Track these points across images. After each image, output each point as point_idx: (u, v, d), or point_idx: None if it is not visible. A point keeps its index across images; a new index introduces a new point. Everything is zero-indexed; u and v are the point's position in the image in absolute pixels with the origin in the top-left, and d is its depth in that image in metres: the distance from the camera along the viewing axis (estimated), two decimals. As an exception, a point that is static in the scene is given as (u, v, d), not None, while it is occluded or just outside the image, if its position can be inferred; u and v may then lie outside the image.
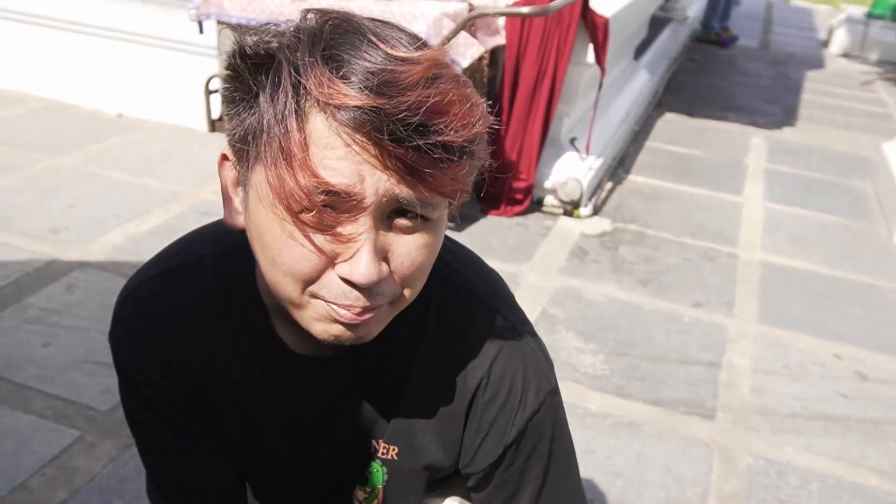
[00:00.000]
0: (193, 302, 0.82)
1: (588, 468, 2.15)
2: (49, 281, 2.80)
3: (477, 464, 0.92)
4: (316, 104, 0.64)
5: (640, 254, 3.46)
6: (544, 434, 0.90)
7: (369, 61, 0.64)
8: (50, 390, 2.25)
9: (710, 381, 2.60)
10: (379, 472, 0.96)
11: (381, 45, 0.65)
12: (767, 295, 3.21)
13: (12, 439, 2.06)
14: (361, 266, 0.67)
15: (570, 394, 2.45)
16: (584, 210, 3.77)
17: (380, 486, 0.97)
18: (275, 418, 0.94)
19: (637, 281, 3.22)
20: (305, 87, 0.64)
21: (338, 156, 0.64)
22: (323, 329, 0.73)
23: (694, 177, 4.46)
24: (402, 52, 0.65)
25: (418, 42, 0.69)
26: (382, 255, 0.69)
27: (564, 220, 3.74)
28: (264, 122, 0.66)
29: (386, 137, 0.62)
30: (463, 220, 3.61)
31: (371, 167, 0.64)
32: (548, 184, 3.78)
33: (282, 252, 0.69)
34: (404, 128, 0.63)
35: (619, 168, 4.45)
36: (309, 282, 0.70)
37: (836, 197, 4.39)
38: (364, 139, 0.63)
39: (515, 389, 0.88)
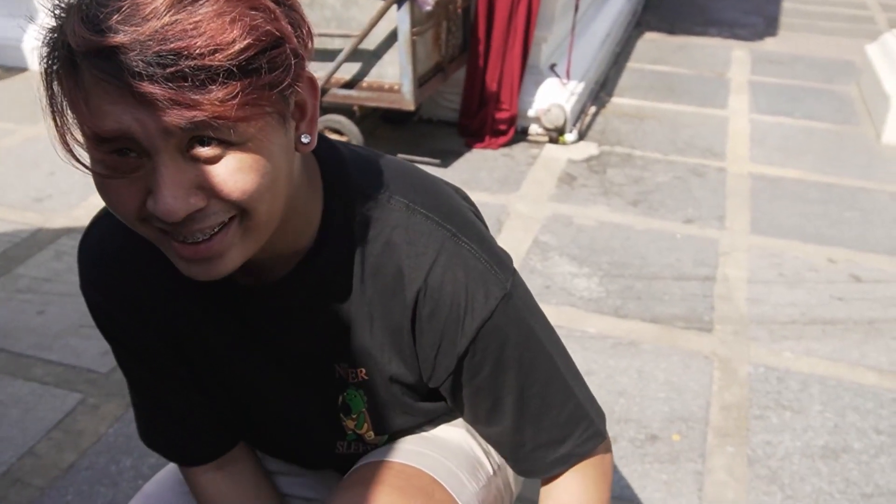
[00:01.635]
0: (143, 240, 0.81)
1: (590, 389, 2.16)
2: (37, 249, 2.78)
3: (438, 377, 0.91)
4: (80, 57, 0.64)
5: (628, 175, 3.45)
6: (507, 341, 0.87)
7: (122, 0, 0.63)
8: (49, 357, 2.25)
9: (705, 294, 2.61)
10: (356, 398, 0.96)
11: None
12: (758, 206, 3.21)
13: (16, 407, 2.07)
14: (160, 203, 0.67)
15: (568, 318, 2.46)
16: (570, 136, 3.73)
17: (364, 410, 0.97)
18: (237, 351, 0.94)
19: (627, 202, 3.21)
20: (69, 44, 0.64)
21: (106, 102, 0.63)
22: (184, 268, 0.74)
23: (678, 94, 4.41)
24: None
25: None
26: (193, 185, 0.68)
27: (550, 148, 3.71)
28: (54, 88, 0.67)
29: (132, 75, 0.61)
30: (447, 155, 3.58)
31: (130, 107, 0.63)
32: (531, 112, 3.73)
33: (104, 196, 0.71)
34: (148, 61, 0.61)
35: (601, 91, 4.40)
36: (139, 216, 0.70)
37: (823, 103, 4.36)
38: (118, 81, 0.62)
39: (458, 298, 0.85)
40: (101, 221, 0.93)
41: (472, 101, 3.68)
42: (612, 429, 2.03)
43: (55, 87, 0.67)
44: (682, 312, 2.52)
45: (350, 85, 3.16)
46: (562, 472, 0.96)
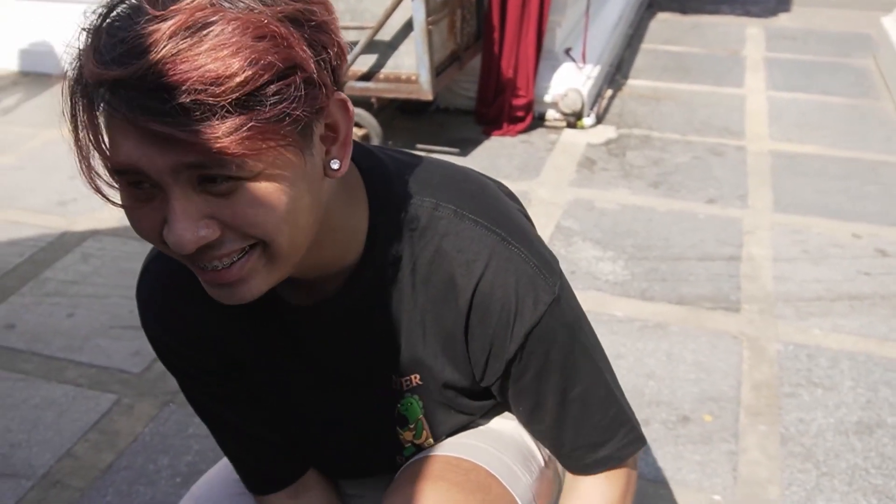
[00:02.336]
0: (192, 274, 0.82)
1: (619, 373, 2.14)
2: (63, 253, 2.81)
3: (488, 379, 0.91)
4: (91, 89, 0.64)
5: (648, 157, 3.43)
6: (553, 344, 0.87)
7: (128, 31, 0.61)
8: (81, 359, 2.28)
9: (731, 274, 2.60)
10: (414, 404, 0.96)
11: (148, 7, 0.61)
12: (780, 183, 3.19)
13: (51, 410, 2.09)
14: (171, 235, 0.66)
15: (594, 302, 2.46)
16: (587, 120, 3.72)
17: (421, 417, 0.98)
18: (295, 372, 0.95)
19: (648, 184, 3.19)
20: (84, 77, 0.64)
21: (119, 135, 0.64)
22: (210, 292, 0.74)
23: (693, 74, 4.38)
24: (158, 10, 0.61)
25: None
26: (205, 216, 0.67)
27: (568, 133, 3.70)
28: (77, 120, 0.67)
29: (133, 108, 0.61)
30: (465, 143, 3.58)
31: (139, 142, 0.63)
32: (548, 98, 3.72)
33: (131, 222, 0.71)
34: (147, 94, 0.60)
35: (617, 74, 4.38)
36: (163, 241, 0.70)
37: (839, 77, 4.32)
38: (121, 115, 0.62)
39: (508, 304, 0.84)
40: (154, 260, 0.94)
41: (488, 88, 3.67)
42: (642, 411, 2.03)
43: (78, 117, 0.66)
44: (709, 293, 2.51)
45: (367, 77, 3.16)
46: (598, 473, 0.97)
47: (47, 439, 2.00)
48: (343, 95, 0.73)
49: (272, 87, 0.62)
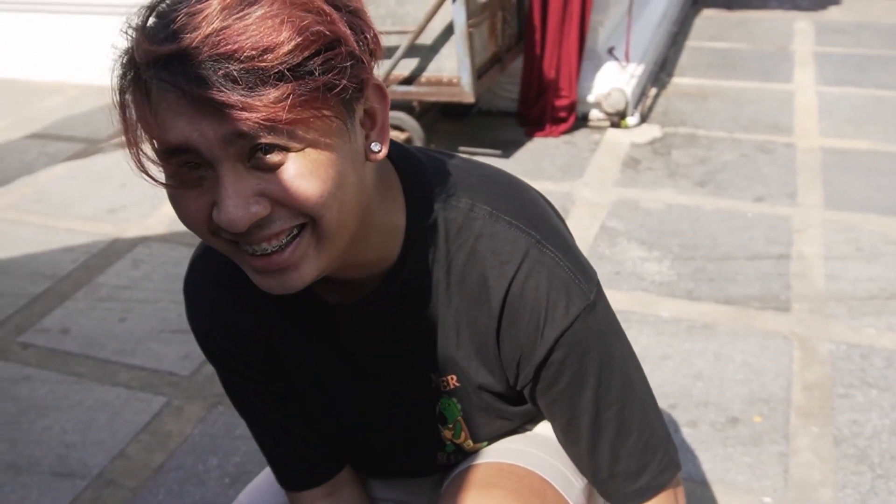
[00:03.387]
0: (239, 270, 0.83)
1: (666, 374, 2.14)
2: (115, 259, 2.87)
3: (520, 384, 0.90)
4: (143, 69, 0.65)
5: (693, 155, 3.39)
6: (585, 354, 0.85)
7: (178, 11, 0.64)
8: (132, 362, 2.33)
9: (781, 273, 2.55)
10: (452, 406, 0.96)
11: None
12: (831, 180, 3.12)
13: (105, 412, 2.14)
14: (223, 213, 0.67)
15: (640, 303, 2.44)
16: (631, 119, 3.69)
17: (459, 418, 0.97)
18: (334, 370, 0.95)
19: (694, 183, 3.15)
20: (135, 60, 0.66)
21: (170, 115, 0.65)
22: (259, 281, 0.75)
23: (740, 71, 4.31)
24: None
25: None
26: (256, 193, 0.68)
27: (612, 132, 3.67)
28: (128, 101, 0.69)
29: (187, 80, 0.63)
30: (508, 145, 3.57)
31: (191, 117, 0.64)
32: (591, 97, 3.70)
33: (177, 209, 0.72)
34: (200, 66, 0.62)
35: (661, 72, 4.33)
36: (210, 229, 0.71)
37: (891, 71, 4.21)
38: (175, 89, 0.64)
39: (538, 306, 0.83)
40: (200, 257, 0.96)
41: (530, 89, 3.66)
42: (691, 413, 2.01)
43: (127, 104, 0.68)
44: (758, 292, 2.46)
45: (409, 81, 3.18)
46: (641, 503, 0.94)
47: (101, 440, 2.04)
48: (379, 81, 0.75)
49: (319, 57, 0.65)
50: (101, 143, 3.86)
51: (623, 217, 2.93)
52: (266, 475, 1.15)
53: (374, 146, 0.75)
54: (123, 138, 0.69)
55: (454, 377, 0.93)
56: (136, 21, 0.67)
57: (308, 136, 0.67)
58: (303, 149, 0.67)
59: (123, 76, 0.68)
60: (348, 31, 0.68)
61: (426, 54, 3.12)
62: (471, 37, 3.00)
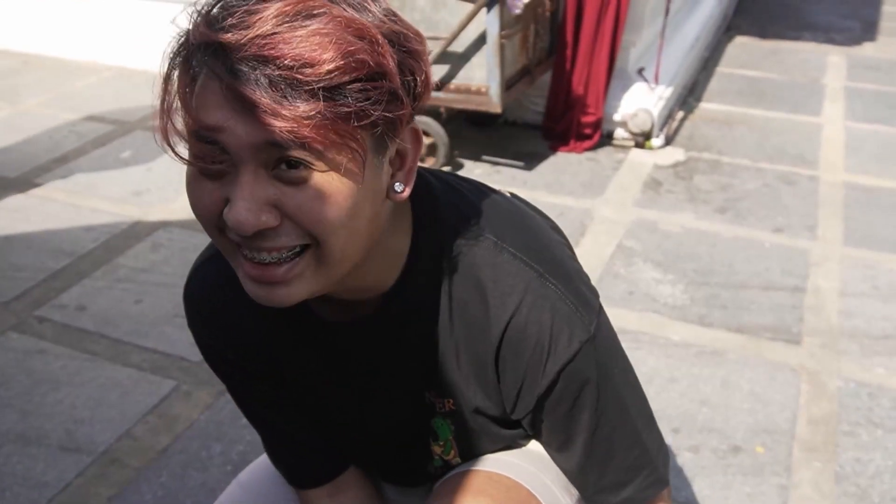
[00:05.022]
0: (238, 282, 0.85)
1: (672, 397, 2.15)
2: (136, 241, 2.91)
3: (518, 412, 0.92)
4: (193, 49, 0.67)
5: (716, 182, 3.39)
6: (587, 383, 0.87)
7: (240, 6, 0.66)
8: (145, 344, 2.36)
9: (794, 305, 2.55)
10: (444, 426, 0.98)
11: None
12: (852, 216, 3.11)
13: (115, 391, 2.17)
14: (233, 211, 0.68)
15: (651, 324, 2.44)
16: (656, 141, 3.69)
17: (450, 438, 0.99)
18: (331, 383, 0.97)
19: (714, 209, 3.15)
20: (189, 41, 0.68)
21: (210, 102, 0.66)
22: (250, 289, 0.75)
23: (769, 100, 4.31)
24: None
25: None
26: (269, 202, 0.69)
27: (636, 153, 3.67)
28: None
29: (229, 71, 0.64)
30: (531, 158, 3.58)
31: (228, 111, 0.66)
32: (617, 116, 3.71)
33: (191, 195, 0.73)
34: (243, 62, 0.64)
35: (689, 96, 4.33)
36: (217, 224, 0.72)
37: (923, 111, 4.19)
38: (216, 77, 0.65)
39: (542, 340, 0.84)
40: (202, 266, 0.97)
41: (557, 104, 3.68)
42: (694, 438, 2.01)
43: (171, 78, 0.70)
44: (770, 323, 2.46)
45: (438, 87, 3.20)
46: None
47: (109, 418, 2.07)
48: (417, 126, 0.75)
49: (358, 84, 0.65)
50: (131, 126, 3.90)
51: (641, 238, 2.94)
52: (266, 457, 1.17)
53: (398, 186, 0.76)
54: (158, 108, 0.70)
55: (451, 401, 0.94)
56: (202, 6, 0.69)
57: (336, 160, 0.67)
58: (327, 171, 0.68)
59: (177, 53, 0.70)
60: (395, 68, 0.68)
61: (456, 62, 3.14)
62: (502, 48, 3.02)
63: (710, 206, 3.18)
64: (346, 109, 0.65)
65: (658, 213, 3.12)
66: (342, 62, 0.64)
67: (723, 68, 4.80)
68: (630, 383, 0.94)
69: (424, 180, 0.88)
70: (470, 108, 3.24)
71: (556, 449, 0.95)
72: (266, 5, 0.65)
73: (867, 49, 5.26)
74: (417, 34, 0.73)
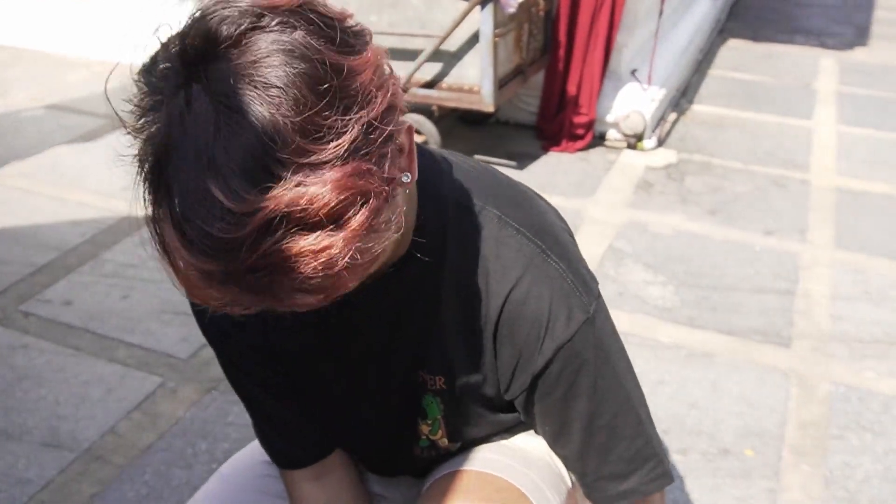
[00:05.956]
0: None
1: (661, 399, 2.14)
2: (123, 236, 2.88)
3: (513, 391, 0.90)
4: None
5: (707, 184, 3.38)
6: (583, 365, 0.86)
7: (205, 220, 0.59)
8: (131, 340, 2.33)
9: (785, 308, 2.54)
10: (433, 404, 0.96)
11: (217, 192, 0.58)
12: (843, 220, 3.11)
13: (99, 387, 2.15)
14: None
15: (641, 326, 2.43)
16: (648, 142, 3.69)
17: (439, 417, 0.98)
18: (323, 349, 0.96)
19: (705, 211, 3.15)
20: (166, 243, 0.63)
21: (206, 286, 0.63)
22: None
23: (761, 103, 4.31)
24: (232, 203, 0.58)
25: (258, 165, 0.58)
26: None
27: (628, 154, 3.67)
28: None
29: (236, 287, 0.61)
30: (523, 157, 3.57)
31: (228, 298, 0.63)
32: (609, 117, 3.70)
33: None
34: (250, 277, 0.60)
35: (682, 98, 4.33)
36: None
37: (914, 116, 4.20)
38: (219, 285, 0.61)
39: (540, 317, 0.83)
40: None
41: (550, 104, 3.67)
42: (683, 441, 2.00)
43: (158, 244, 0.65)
44: (760, 326, 2.46)
45: (430, 85, 3.19)
46: None
47: (93, 415, 2.05)
48: (409, 123, 0.73)
49: (366, 210, 0.62)
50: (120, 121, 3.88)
51: (631, 239, 2.93)
52: (249, 448, 1.16)
53: (405, 177, 0.72)
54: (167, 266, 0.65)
55: (442, 379, 0.93)
56: (158, 201, 0.64)
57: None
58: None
59: (152, 236, 0.65)
60: (366, 139, 0.63)
61: (449, 60, 3.12)
62: (496, 46, 3.00)
63: (701, 208, 3.17)
64: (367, 259, 0.63)
65: (649, 215, 3.11)
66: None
67: (715, 71, 4.81)
68: (629, 371, 0.92)
69: (430, 156, 0.87)
70: (462, 106, 3.23)
71: (552, 435, 0.94)
72: (240, 226, 0.58)
73: (859, 54, 5.27)
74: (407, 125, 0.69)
